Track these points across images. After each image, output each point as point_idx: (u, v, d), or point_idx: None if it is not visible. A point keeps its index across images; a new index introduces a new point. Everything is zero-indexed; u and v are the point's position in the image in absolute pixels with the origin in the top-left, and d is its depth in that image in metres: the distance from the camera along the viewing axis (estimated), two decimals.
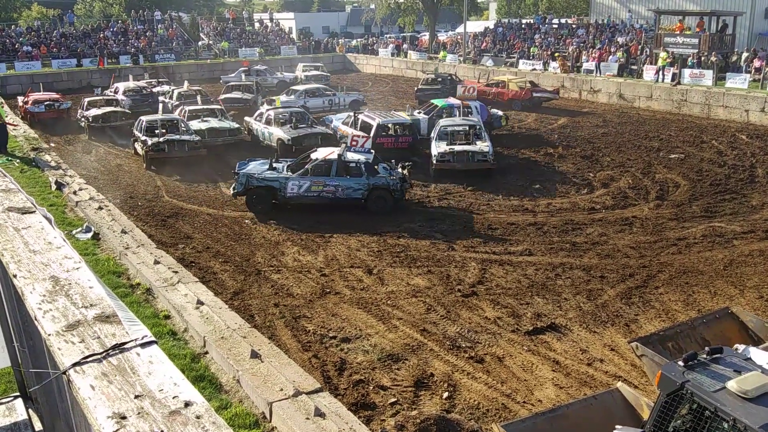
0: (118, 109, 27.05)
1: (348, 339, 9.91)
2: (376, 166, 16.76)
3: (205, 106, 25.12)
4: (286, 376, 7.67)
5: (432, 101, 26.00)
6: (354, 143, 18.10)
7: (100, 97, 28.80)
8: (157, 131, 21.25)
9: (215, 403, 7.37)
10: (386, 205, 16.34)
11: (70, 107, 28.99)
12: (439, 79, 34.15)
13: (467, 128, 20.64)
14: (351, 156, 16.89)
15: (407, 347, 9.68)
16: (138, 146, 21.66)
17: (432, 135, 20.91)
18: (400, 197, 16.59)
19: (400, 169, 17.03)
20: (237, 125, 23.50)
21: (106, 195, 16.65)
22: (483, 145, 19.65)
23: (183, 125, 22.03)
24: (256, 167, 16.82)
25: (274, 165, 16.88)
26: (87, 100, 27.70)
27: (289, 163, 17.25)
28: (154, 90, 31.59)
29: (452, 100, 25.27)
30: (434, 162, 19.25)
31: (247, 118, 24.32)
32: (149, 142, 20.54)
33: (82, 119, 26.46)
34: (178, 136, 21.04)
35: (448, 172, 19.16)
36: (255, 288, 11.79)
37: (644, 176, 19.38)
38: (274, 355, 8.27)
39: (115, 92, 30.28)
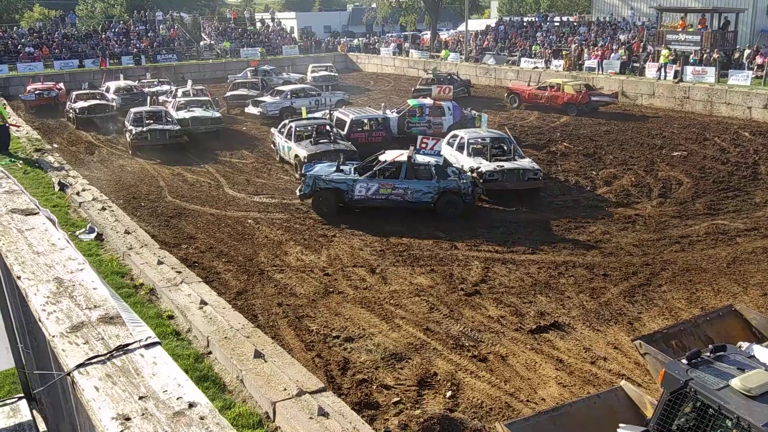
0: (102, 101, 29.05)
1: (351, 338, 9.91)
2: (446, 169, 16.18)
3: (194, 98, 27.01)
4: (289, 375, 7.68)
5: (408, 101, 26.09)
6: (423, 146, 16.94)
7: (87, 91, 30.96)
8: (143, 121, 23.41)
9: (219, 403, 7.38)
10: (457, 210, 15.71)
11: (57, 95, 32.84)
12: (439, 80, 33.52)
13: (494, 142, 18.76)
14: (421, 158, 16.25)
15: (410, 346, 9.68)
16: (127, 135, 23.51)
17: (449, 148, 18.84)
18: (471, 202, 15.95)
19: (469, 173, 16.51)
20: (219, 115, 25.50)
21: (109, 196, 16.68)
22: (529, 162, 17.96)
23: (166, 116, 24.18)
24: (323, 169, 16.36)
25: (342, 167, 16.35)
26: (75, 93, 29.89)
27: (356, 165, 16.74)
28: (154, 89, 32.33)
29: (424, 100, 25.25)
30: (481, 180, 16.87)
31: (272, 130, 22.27)
32: (134, 131, 22.77)
33: (70, 111, 28.64)
34: (160, 126, 23.22)
35: (491, 192, 17.14)
36: (258, 288, 11.80)
37: (647, 174, 19.36)
38: (277, 354, 8.28)
39: (107, 91, 31.59)
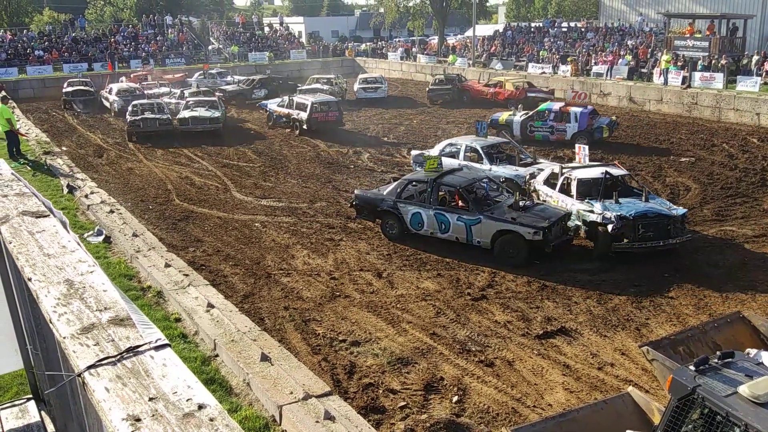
0: (85, 87, 35.24)
1: (358, 342, 9.92)
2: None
3: (202, 99, 29.05)
4: (296, 379, 7.68)
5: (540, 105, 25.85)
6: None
7: (77, 79, 37.12)
8: (139, 112, 26.66)
9: (225, 406, 7.38)
10: None
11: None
12: (449, 80, 35.93)
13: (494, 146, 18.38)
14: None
15: (417, 351, 9.67)
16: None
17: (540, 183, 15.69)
18: None
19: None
20: (218, 115, 27.03)
21: (118, 198, 16.75)
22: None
23: (159, 108, 27.26)
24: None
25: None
26: (67, 81, 36.34)
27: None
28: (154, 91, 34.05)
29: (552, 104, 25.03)
30: None
31: (539, 184, 15.71)
32: (129, 120, 26.21)
33: (63, 94, 34.75)
34: (152, 115, 26.43)
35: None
36: (265, 291, 11.82)
37: (655, 180, 19.30)
38: (284, 358, 8.28)
39: (109, 92, 33.65)
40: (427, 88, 36.18)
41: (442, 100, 34.90)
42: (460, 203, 14.20)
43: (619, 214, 13.18)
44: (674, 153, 22.53)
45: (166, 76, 39.63)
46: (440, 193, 14.49)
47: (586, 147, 17.16)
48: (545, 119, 23.97)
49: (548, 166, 16.76)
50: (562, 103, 24.63)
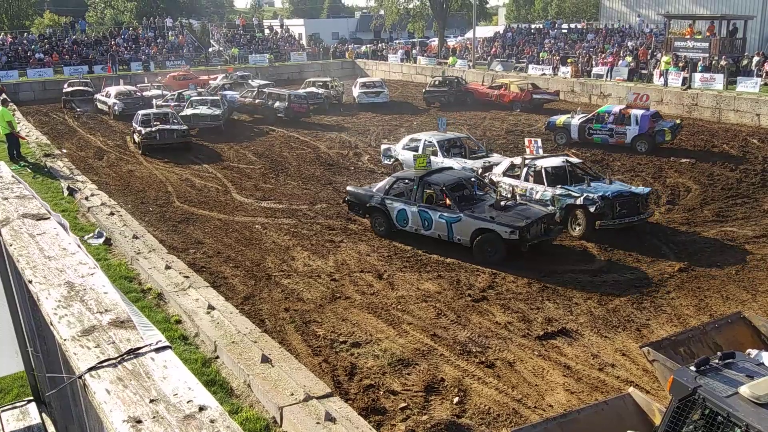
0: (84, 88, 36.25)
1: (358, 344, 9.91)
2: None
3: (204, 97, 29.65)
4: (296, 380, 7.68)
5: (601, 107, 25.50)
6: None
7: (77, 79, 38.41)
8: (151, 123, 24.81)
9: (226, 408, 7.37)
10: None
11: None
12: (446, 82, 35.82)
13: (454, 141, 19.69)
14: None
15: (417, 352, 9.67)
16: (135, 136, 24.99)
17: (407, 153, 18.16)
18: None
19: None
20: (218, 113, 27.79)
21: (118, 200, 16.75)
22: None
23: (173, 117, 25.64)
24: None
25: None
26: (67, 82, 37.41)
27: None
28: (150, 94, 33.92)
29: (612, 106, 24.59)
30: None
31: (495, 174, 16.60)
32: (143, 132, 24.05)
33: (63, 94, 35.91)
34: (168, 126, 24.55)
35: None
36: (265, 293, 11.82)
37: (655, 180, 19.30)
38: (284, 359, 8.28)
39: (107, 95, 33.59)
40: (424, 90, 36.17)
41: (439, 102, 34.88)
42: (447, 201, 14.31)
43: (600, 195, 14.17)
44: (674, 154, 22.52)
45: (202, 77, 39.86)
46: (428, 191, 14.53)
47: (539, 140, 17.59)
48: (604, 122, 23.23)
49: (502, 159, 17.92)
50: (623, 106, 23.93)
